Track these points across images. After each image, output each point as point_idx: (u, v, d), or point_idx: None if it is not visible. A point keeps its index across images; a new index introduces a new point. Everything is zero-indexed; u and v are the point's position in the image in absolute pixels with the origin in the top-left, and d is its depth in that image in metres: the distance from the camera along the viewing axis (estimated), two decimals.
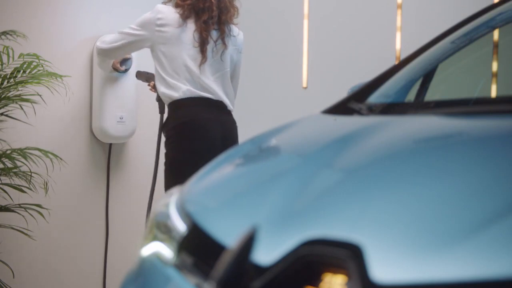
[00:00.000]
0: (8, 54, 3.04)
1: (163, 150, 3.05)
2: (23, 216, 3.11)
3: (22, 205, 3.09)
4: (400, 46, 4.26)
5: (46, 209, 3.14)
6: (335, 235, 1.08)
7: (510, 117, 1.46)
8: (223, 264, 1.15)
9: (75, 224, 3.54)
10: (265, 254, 1.12)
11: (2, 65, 3.06)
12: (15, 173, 3.04)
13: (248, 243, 1.14)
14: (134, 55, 3.49)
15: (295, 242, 1.10)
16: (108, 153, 3.64)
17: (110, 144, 3.64)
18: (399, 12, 4.32)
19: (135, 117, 3.62)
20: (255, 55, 4.22)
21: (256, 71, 4.23)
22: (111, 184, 3.65)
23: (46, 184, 3.11)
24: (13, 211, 3.08)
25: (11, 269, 3.17)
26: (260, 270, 1.11)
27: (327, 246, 1.07)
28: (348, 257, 1.03)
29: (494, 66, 2.72)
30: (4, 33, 3.06)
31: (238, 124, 3.17)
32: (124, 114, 3.56)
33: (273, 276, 1.09)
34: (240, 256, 1.14)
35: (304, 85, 4.32)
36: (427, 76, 2.06)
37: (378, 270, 1.00)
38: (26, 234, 3.12)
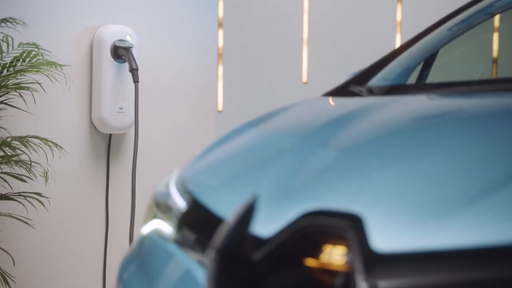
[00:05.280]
0: (7, 43, 3.03)
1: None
2: (23, 204, 3.10)
3: (22, 194, 3.08)
4: (400, 41, 4.25)
5: (46, 197, 3.14)
6: (335, 207, 1.08)
7: (508, 94, 1.46)
8: (222, 233, 1.15)
9: (75, 212, 3.54)
10: (265, 226, 1.12)
11: (1, 54, 3.05)
12: (15, 161, 3.04)
13: (248, 215, 1.14)
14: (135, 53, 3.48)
15: (295, 214, 1.09)
16: (108, 144, 3.63)
17: (110, 135, 3.63)
18: (399, 6, 4.32)
19: None
20: (254, 50, 4.21)
21: (256, 66, 4.22)
22: (111, 174, 3.65)
23: (46, 173, 3.11)
24: (12, 199, 3.07)
25: (12, 257, 3.17)
26: (260, 241, 1.10)
27: (327, 217, 1.06)
28: (349, 227, 1.03)
29: (495, 51, 2.71)
30: (4, 20, 3.05)
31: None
32: (124, 104, 3.56)
33: (273, 248, 1.08)
34: (240, 226, 1.13)
35: (304, 80, 4.32)
36: (428, 61, 2.06)
37: (378, 240, 1.00)
38: (26, 223, 3.11)
